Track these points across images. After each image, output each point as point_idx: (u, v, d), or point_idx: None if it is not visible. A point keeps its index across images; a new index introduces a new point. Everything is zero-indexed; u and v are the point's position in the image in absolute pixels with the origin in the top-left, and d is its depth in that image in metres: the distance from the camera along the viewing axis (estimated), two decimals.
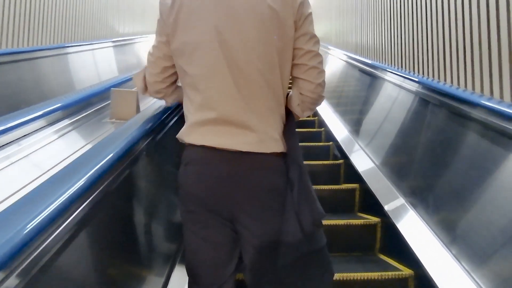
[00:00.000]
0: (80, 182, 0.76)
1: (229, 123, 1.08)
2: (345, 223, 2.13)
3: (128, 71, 4.11)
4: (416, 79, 2.31)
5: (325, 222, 2.09)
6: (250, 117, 1.07)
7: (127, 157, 1.06)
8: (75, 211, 0.74)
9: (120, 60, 5.42)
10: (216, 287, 1.16)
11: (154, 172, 1.44)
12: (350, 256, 2.10)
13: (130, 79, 3.23)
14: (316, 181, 2.47)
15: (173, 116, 1.55)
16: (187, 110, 1.15)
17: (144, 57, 6.44)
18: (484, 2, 2.04)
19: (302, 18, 1.08)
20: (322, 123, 3.95)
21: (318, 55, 1.12)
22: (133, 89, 1.96)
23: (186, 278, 1.21)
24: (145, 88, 1.27)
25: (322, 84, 1.14)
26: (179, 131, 1.16)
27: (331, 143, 3.42)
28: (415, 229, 1.82)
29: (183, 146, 1.16)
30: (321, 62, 1.14)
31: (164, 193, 1.54)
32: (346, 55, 4.08)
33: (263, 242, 1.10)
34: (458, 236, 1.56)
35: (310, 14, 1.11)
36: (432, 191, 1.87)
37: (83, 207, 0.77)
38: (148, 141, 1.26)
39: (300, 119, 1.29)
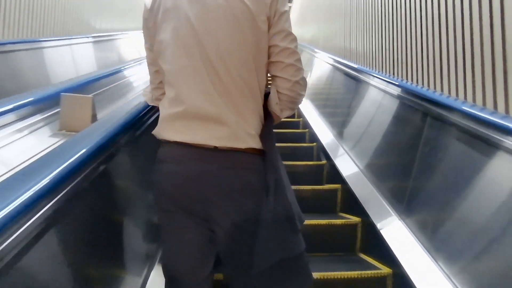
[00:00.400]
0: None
1: (200, 117, 1.06)
2: (327, 223, 2.16)
3: (107, 68, 3.94)
4: (397, 83, 2.36)
5: (307, 222, 2.12)
6: (224, 111, 1.05)
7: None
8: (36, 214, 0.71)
9: (100, 57, 5.28)
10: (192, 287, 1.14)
11: (128, 171, 1.42)
12: (331, 256, 2.13)
13: (98, 79, 3.07)
14: (299, 181, 2.53)
15: (144, 122, 1.48)
16: (162, 105, 1.15)
17: (125, 54, 6.33)
18: (475, 11, 2.09)
19: (277, 15, 1.07)
20: (306, 125, 4.00)
21: (295, 52, 1.10)
22: (88, 95, 1.79)
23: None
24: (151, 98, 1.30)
25: (300, 82, 1.12)
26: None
27: (314, 144, 3.46)
28: (394, 229, 1.86)
29: (159, 143, 1.15)
30: (298, 60, 1.11)
31: (141, 192, 1.53)
32: (332, 58, 4.13)
33: (239, 244, 1.10)
34: (435, 237, 1.60)
35: (286, 12, 1.10)
36: (411, 193, 1.92)
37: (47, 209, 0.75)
38: (103, 159, 1.11)
39: (284, 119, 1.28)
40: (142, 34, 1.25)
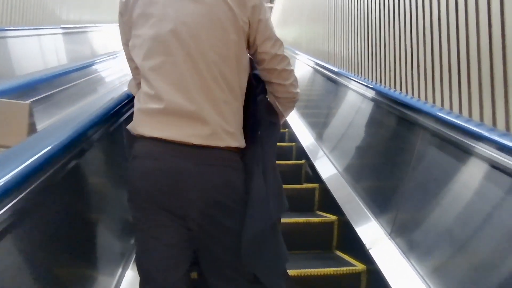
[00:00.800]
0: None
1: (179, 114, 1.05)
2: (304, 221, 2.21)
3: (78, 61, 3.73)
4: (371, 86, 2.44)
5: (285, 220, 2.17)
6: (203, 109, 1.05)
7: None
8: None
9: (69, 50, 4.97)
10: (168, 286, 1.11)
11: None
12: (309, 253, 2.18)
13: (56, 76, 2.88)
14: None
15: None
16: (138, 100, 1.13)
17: (97, 47, 5.96)
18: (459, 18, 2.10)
19: (261, 23, 1.10)
20: (286, 125, 4.05)
21: (285, 57, 1.16)
22: (26, 102, 1.48)
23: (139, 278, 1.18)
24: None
25: (293, 83, 1.19)
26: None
27: (294, 144, 3.52)
28: (368, 227, 1.93)
29: (134, 139, 1.13)
30: (289, 64, 1.18)
31: (114, 189, 1.49)
32: (313, 61, 4.19)
33: (216, 241, 1.11)
34: (408, 236, 1.68)
35: (269, 18, 1.14)
36: (384, 193, 1.99)
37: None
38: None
39: None
40: (116, 27, 1.23)
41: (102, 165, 1.41)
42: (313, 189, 2.67)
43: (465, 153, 1.42)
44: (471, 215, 1.36)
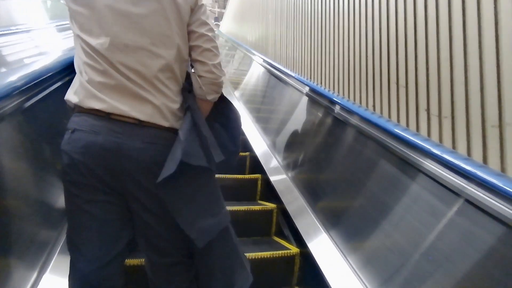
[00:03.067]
0: None
1: (124, 90, 1.07)
2: (246, 209, 2.33)
3: None
4: (305, 82, 2.62)
5: (228, 208, 2.29)
6: (150, 88, 1.09)
7: None
8: None
9: None
10: (100, 265, 1.09)
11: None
12: (249, 240, 2.30)
13: None
14: (222, 171, 2.66)
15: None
16: (80, 70, 1.11)
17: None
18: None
19: (196, 7, 1.21)
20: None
21: (212, 40, 1.24)
22: None
23: (66, 269, 1.12)
24: None
25: (217, 66, 1.23)
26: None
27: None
28: (302, 213, 2.11)
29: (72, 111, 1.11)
30: (215, 47, 1.25)
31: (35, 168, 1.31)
32: (264, 60, 4.31)
33: (153, 214, 1.13)
34: (336, 222, 1.88)
35: (204, 5, 1.24)
36: (317, 183, 2.18)
37: None
38: None
39: None
40: None
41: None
42: (256, 180, 2.81)
43: (381, 147, 1.64)
44: (386, 202, 1.58)
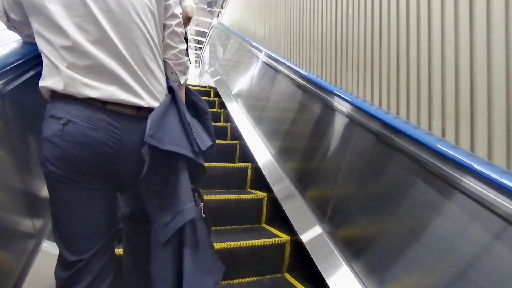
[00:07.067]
0: None
1: (113, 74, 1.03)
2: (236, 198, 2.34)
3: None
4: (302, 72, 2.60)
5: (218, 197, 2.29)
6: (138, 73, 1.08)
7: None
8: None
9: None
10: (88, 256, 1.06)
11: None
12: (239, 228, 2.32)
13: None
14: (212, 159, 2.65)
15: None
16: (52, 53, 1.00)
17: None
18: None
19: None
20: (222, 105, 4.12)
21: (182, 24, 1.28)
22: None
23: (54, 258, 1.09)
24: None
25: (182, 52, 1.28)
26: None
27: (229, 124, 3.61)
28: (293, 202, 2.12)
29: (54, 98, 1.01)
30: (183, 33, 1.29)
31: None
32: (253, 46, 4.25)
33: (151, 191, 1.12)
34: (324, 209, 1.89)
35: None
36: (308, 174, 2.19)
37: None
38: None
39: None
40: None
41: None
42: (246, 168, 2.81)
43: (371, 134, 1.64)
44: (372, 188, 1.59)
